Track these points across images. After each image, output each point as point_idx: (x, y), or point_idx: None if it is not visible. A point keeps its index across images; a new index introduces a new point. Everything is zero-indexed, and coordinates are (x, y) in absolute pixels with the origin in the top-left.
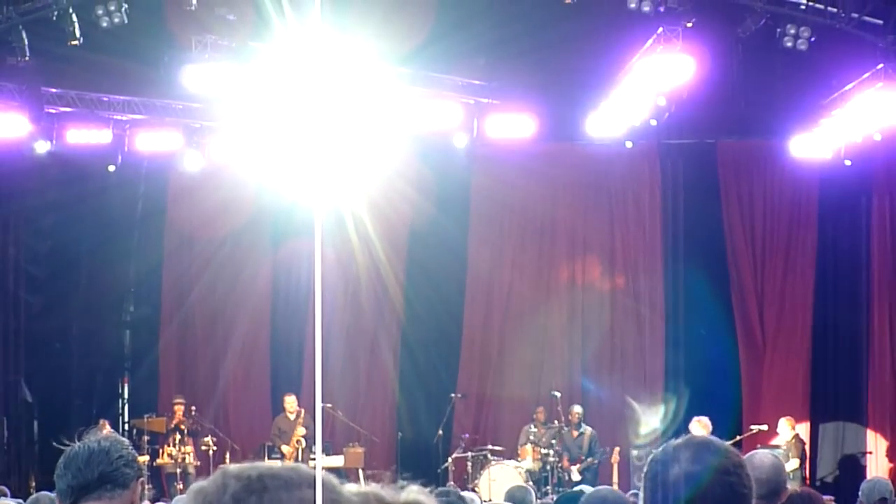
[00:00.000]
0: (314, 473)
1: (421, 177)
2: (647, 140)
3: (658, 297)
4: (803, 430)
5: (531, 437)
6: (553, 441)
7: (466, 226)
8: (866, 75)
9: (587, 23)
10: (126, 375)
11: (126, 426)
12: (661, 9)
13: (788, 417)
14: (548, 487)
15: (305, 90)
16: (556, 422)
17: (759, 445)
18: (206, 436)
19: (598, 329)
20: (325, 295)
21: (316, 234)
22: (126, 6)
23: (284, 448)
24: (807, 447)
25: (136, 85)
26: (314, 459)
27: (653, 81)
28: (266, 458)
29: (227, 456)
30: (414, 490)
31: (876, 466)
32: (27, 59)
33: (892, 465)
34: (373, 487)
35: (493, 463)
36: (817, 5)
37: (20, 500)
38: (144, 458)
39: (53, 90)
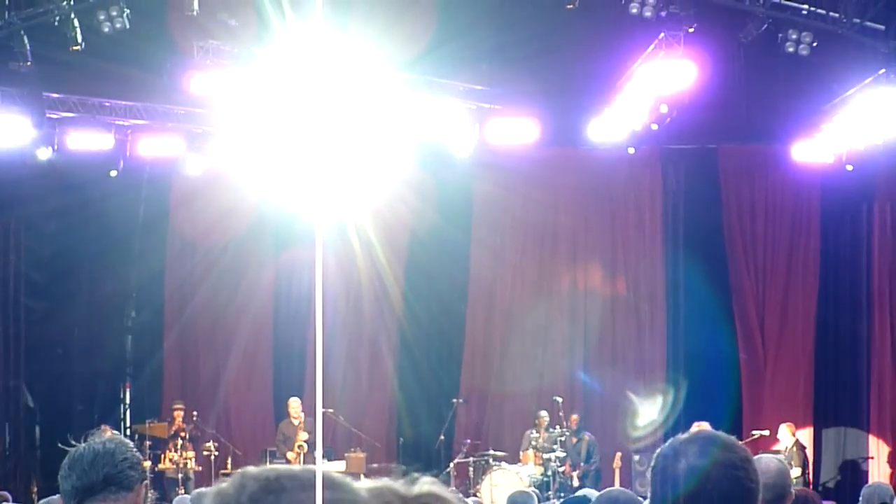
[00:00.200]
0: (332, 475)
1: (422, 182)
2: (649, 145)
3: (659, 301)
4: (806, 435)
5: (533, 443)
6: (555, 446)
7: (468, 231)
8: (868, 80)
9: (589, 28)
10: (128, 381)
11: (128, 431)
12: (663, 14)
13: (789, 424)
14: (550, 493)
15: (308, 95)
16: (557, 427)
17: (760, 451)
18: (208, 441)
19: (599, 334)
20: (327, 300)
21: (317, 239)
22: (128, 11)
23: (289, 455)
24: (808, 453)
25: (137, 90)
26: (285, 466)
27: (654, 87)
28: (267, 463)
29: (229, 461)
30: (427, 482)
31: (878, 471)
32: (29, 64)
33: (893, 470)
34: (385, 482)
35: (494, 468)
36: (819, 10)
37: None
38: (147, 464)
39: (55, 95)
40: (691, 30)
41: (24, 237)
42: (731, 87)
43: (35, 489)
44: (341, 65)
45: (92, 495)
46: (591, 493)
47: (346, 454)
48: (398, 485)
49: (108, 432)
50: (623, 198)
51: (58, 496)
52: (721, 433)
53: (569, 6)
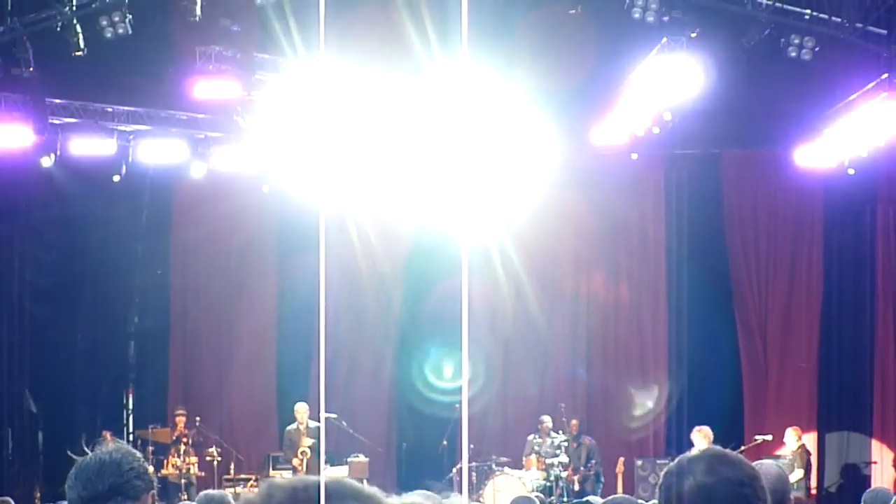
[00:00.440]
0: (362, 487)
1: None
2: (652, 150)
3: (661, 306)
4: (810, 440)
5: (536, 448)
6: (558, 451)
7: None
8: (871, 85)
9: (591, 33)
10: (131, 386)
11: (131, 437)
12: (666, 19)
13: (795, 427)
14: (552, 498)
15: (309, 101)
16: (560, 432)
17: (763, 456)
18: (211, 446)
19: (601, 339)
20: (330, 305)
21: (320, 244)
22: (130, 17)
23: (294, 461)
24: (812, 457)
25: (140, 96)
26: (313, 476)
27: (657, 92)
28: (270, 468)
29: (232, 467)
30: (456, 499)
31: (881, 476)
32: (31, 70)
33: None
34: (414, 497)
35: (497, 473)
36: (821, 15)
37: None
38: (150, 469)
39: (58, 101)
40: (694, 35)
41: (27, 243)
42: (734, 92)
43: (38, 495)
44: (341, 70)
45: None
46: (596, 500)
47: (348, 459)
48: (427, 500)
49: (108, 438)
50: (626, 203)
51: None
52: (728, 451)
53: (572, 11)
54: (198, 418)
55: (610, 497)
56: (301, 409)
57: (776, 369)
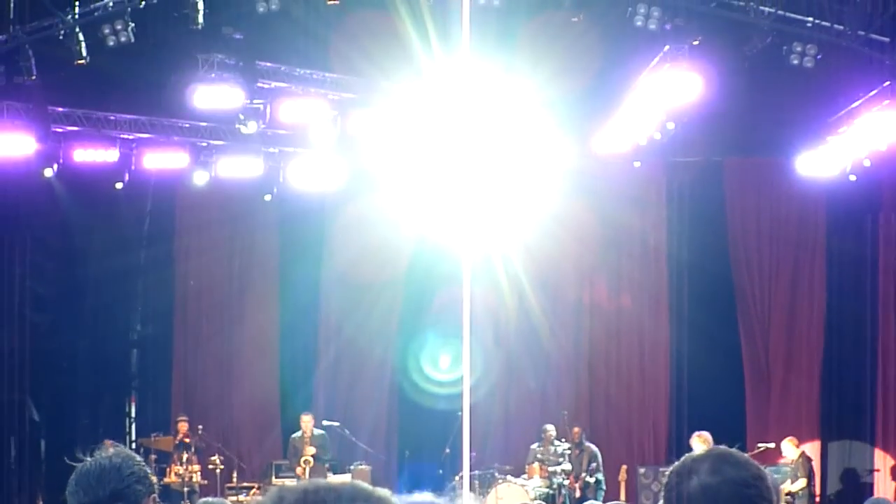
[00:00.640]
0: (374, 490)
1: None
2: (654, 158)
3: (663, 313)
4: (813, 448)
5: (539, 456)
6: (560, 459)
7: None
8: (873, 92)
9: (594, 41)
10: (133, 394)
11: (133, 445)
12: (668, 27)
13: (791, 438)
14: None
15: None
16: (563, 440)
17: (765, 464)
18: (213, 454)
19: (604, 347)
20: (332, 313)
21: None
22: (132, 25)
23: (297, 469)
24: (815, 465)
25: (142, 104)
26: (323, 480)
27: (659, 99)
28: (273, 476)
29: (234, 475)
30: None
31: (883, 484)
32: (34, 78)
33: None
34: (425, 496)
35: (500, 481)
36: (824, 23)
37: None
38: (150, 473)
39: (60, 109)
40: (696, 42)
41: (29, 251)
42: (736, 99)
43: (40, 503)
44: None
45: None
46: None
47: (351, 467)
48: (438, 500)
49: (111, 446)
50: (628, 210)
51: None
52: (734, 450)
53: (574, 19)
54: (200, 426)
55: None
56: (306, 418)
57: (779, 377)
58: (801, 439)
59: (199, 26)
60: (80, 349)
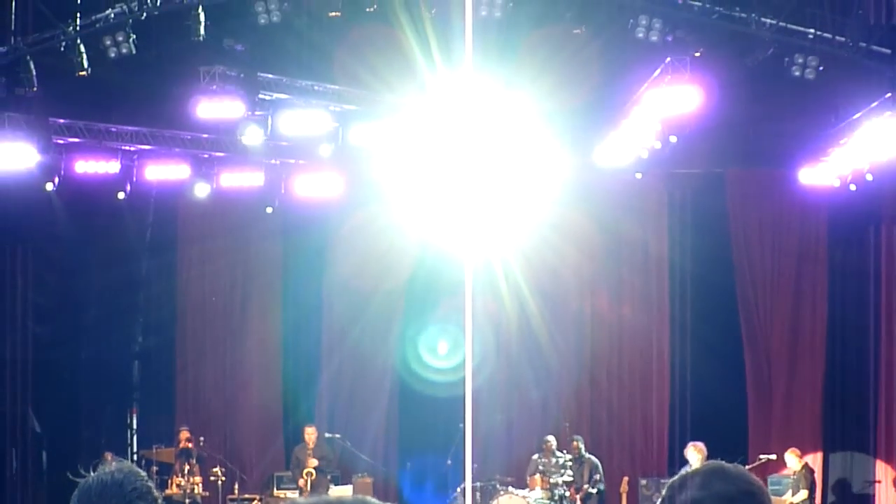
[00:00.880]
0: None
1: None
2: (656, 170)
3: (665, 325)
4: (815, 459)
5: (540, 467)
6: (562, 471)
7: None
8: (874, 104)
9: (595, 52)
10: (134, 406)
11: (135, 457)
12: (669, 38)
13: (794, 449)
14: None
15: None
16: (564, 451)
17: (767, 475)
18: (215, 466)
19: (605, 358)
20: (334, 323)
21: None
22: (134, 37)
23: (300, 481)
24: (817, 476)
25: (144, 115)
26: (326, 491)
27: (661, 111)
28: (274, 489)
29: (236, 486)
30: None
31: (885, 496)
32: (35, 89)
33: None
34: None
35: (501, 493)
36: (825, 34)
37: None
38: (153, 487)
39: (62, 121)
40: (697, 54)
41: (31, 263)
42: (738, 110)
43: None
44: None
45: None
46: None
47: (353, 479)
48: None
49: (109, 459)
50: (630, 221)
51: None
52: (730, 465)
53: (576, 31)
54: (202, 438)
55: None
56: (309, 430)
57: (781, 388)
58: (804, 450)
59: (201, 38)
60: (82, 361)
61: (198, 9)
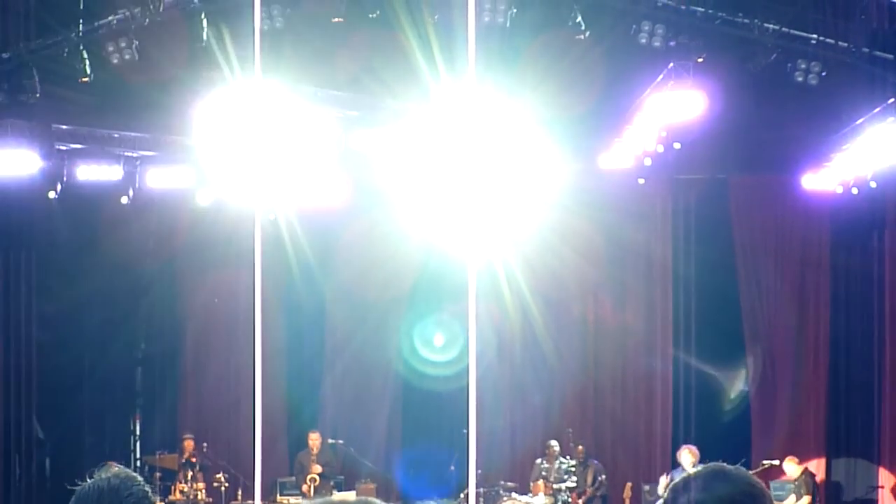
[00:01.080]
0: None
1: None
2: (659, 175)
3: (668, 330)
4: (819, 465)
5: (543, 473)
6: (566, 476)
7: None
8: (877, 109)
9: (598, 58)
10: (138, 412)
11: (138, 463)
12: (672, 44)
13: (791, 457)
14: None
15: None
16: (568, 457)
17: (770, 481)
18: (218, 472)
19: (609, 363)
20: (337, 330)
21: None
22: (136, 42)
23: (304, 487)
24: (819, 481)
25: (147, 121)
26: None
27: (664, 116)
28: (278, 494)
29: (239, 492)
30: None
31: (889, 502)
32: (38, 96)
33: None
34: None
35: (504, 499)
36: (828, 40)
37: None
38: (149, 492)
39: (64, 127)
40: (700, 60)
41: (34, 270)
42: (741, 116)
43: None
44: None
45: None
46: None
47: (356, 485)
48: None
49: (113, 467)
50: (633, 227)
51: None
52: (732, 467)
53: (578, 36)
54: (205, 444)
55: None
56: (313, 436)
57: (784, 394)
58: (807, 456)
59: (204, 43)
60: (85, 367)
61: (201, 15)
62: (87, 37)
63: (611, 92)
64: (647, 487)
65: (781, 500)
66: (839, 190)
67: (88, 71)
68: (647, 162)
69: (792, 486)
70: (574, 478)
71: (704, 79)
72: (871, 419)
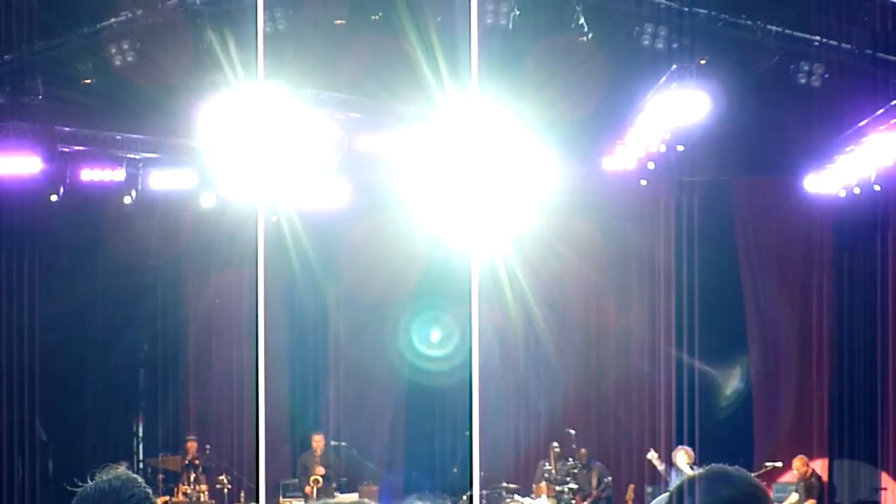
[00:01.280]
0: None
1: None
2: (661, 177)
3: (671, 332)
4: (822, 466)
5: (546, 475)
6: (568, 478)
7: None
8: (880, 111)
9: (601, 60)
10: (140, 414)
11: (141, 465)
12: (675, 46)
13: (801, 456)
14: None
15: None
16: (570, 459)
17: (773, 483)
18: (222, 474)
19: (611, 366)
20: (339, 332)
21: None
22: (139, 45)
23: (307, 488)
24: (823, 482)
25: (149, 123)
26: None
27: (667, 118)
28: (280, 496)
29: (242, 494)
30: None
31: (891, 503)
32: (40, 98)
33: None
34: None
35: (507, 501)
36: (831, 42)
37: None
38: (164, 499)
39: (67, 129)
40: (703, 62)
41: (37, 272)
42: (744, 118)
43: None
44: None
45: None
46: None
47: (359, 487)
48: None
49: (114, 468)
50: (636, 229)
51: None
52: (733, 469)
53: (581, 38)
54: (208, 446)
55: None
56: (317, 438)
57: (787, 396)
58: (810, 458)
59: (206, 46)
60: (88, 369)
61: (203, 17)
62: (90, 39)
63: (613, 94)
64: (649, 489)
65: (781, 503)
66: (842, 192)
67: (91, 73)
68: (650, 164)
69: (796, 486)
70: (577, 480)
71: (707, 81)
72: (874, 421)
